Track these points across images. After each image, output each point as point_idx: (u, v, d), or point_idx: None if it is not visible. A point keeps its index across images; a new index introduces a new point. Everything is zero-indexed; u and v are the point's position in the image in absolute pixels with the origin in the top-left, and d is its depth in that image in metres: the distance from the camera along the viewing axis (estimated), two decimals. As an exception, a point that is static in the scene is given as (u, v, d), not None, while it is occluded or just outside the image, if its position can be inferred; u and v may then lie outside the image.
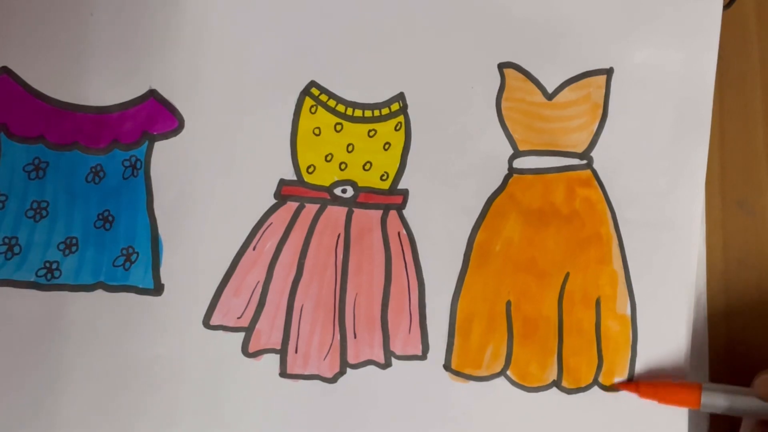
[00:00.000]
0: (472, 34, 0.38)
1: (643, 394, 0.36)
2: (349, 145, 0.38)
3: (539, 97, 0.39)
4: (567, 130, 0.38)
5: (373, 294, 0.37)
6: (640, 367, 0.37)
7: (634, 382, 0.37)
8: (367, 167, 0.38)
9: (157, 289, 0.36)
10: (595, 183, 0.38)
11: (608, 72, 0.39)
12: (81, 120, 0.37)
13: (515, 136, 0.38)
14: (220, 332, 0.36)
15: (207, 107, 0.37)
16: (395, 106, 0.38)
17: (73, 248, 0.36)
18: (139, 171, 0.37)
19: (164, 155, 0.37)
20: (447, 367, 0.37)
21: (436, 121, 0.38)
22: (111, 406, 0.36)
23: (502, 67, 0.38)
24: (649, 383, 0.37)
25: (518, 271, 0.38)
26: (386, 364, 0.37)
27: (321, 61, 0.38)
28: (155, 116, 0.37)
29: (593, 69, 0.39)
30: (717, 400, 0.35)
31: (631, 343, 0.37)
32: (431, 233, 0.38)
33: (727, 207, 0.39)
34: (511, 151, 0.38)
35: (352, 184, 0.38)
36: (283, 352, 0.37)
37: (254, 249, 0.37)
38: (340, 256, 0.37)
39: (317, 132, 0.38)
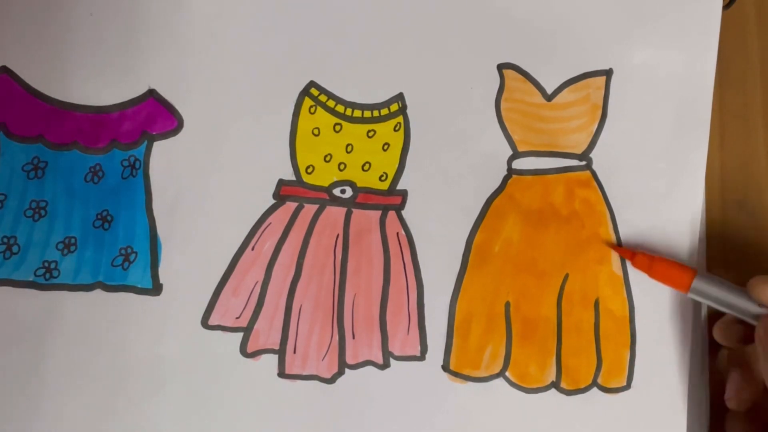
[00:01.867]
0: (472, 35, 0.39)
1: (637, 263, 0.37)
2: (348, 145, 0.38)
3: (538, 98, 0.38)
4: (566, 131, 0.38)
5: (372, 294, 0.37)
6: (639, 368, 0.37)
7: (631, 250, 0.37)
8: (366, 168, 0.38)
9: (156, 289, 0.36)
10: (595, 184, 0.38)
11: (608, 73, 0.39)
12: (80, 120, 0.37)
13: (514, 136, 0.38)
14: (219, 332, 0.36)
15: (206, 107, 0.37)
16: (394, 107, 0.38)
17: (72, 248, 0.36)
18: (138, 171, 0.37)
19: (163, 155, 0.37)
20: (445, 367, 0.37)
21: (436, 122, 0.38)
22: (109, 406, 0.36)
23: (501, 67, 0.39)
24: (646, 255, 0.36)
25: (517, 272, 0.38)
26: (385, 365, 0.37)
27: (320, 62, 0.38)
28: (154, 116, 0.37)
29: (593, 70, 0.39)
30: (708, 288, 0.35)
31: (630, 344, 0.37)
32: (430, 234, 0.38)
33: (727, 207, 0.39)
34: (510, 152, 0.38)
35: (351, 184, 0.38)
36: (281, 353, 0.37)
37: (253, 249, 0.37)
38: (339, 257, 0.37)
39: (316, 132, 0.38)
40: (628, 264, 0.37)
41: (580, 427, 0.37)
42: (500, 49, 0.39)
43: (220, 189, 0.37)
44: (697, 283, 0.35)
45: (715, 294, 0.35)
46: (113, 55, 0.37)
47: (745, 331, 0.35)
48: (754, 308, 0.34)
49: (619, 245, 0.38)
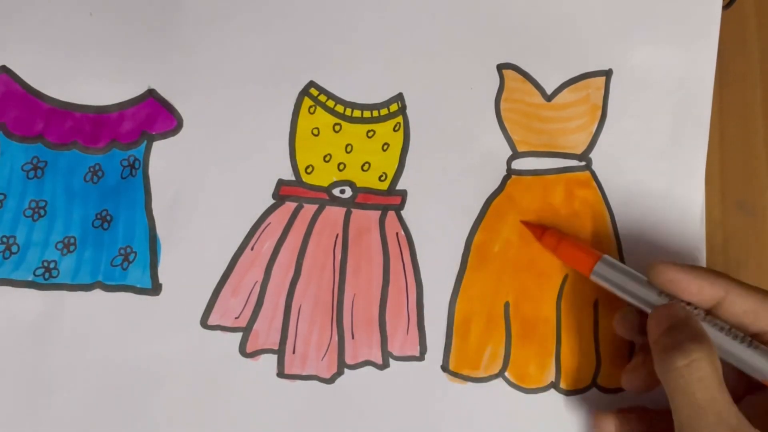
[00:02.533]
0: (471, 35, 0.39)
1: (545, 243, 0.36)
2: (347, 145, 0.38)
3: (538, 98, 0.38)
4: (566, 131, 0.38)
5: (371, 294, 0.37)
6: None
7: (541, 226, 0.37)
8: (365, 168, 0.38)
9: (155, 288, 0.36)
10: (594, 184, 0.38)
11: (607, 73, 0.39)
12: (80, 119, 0.37)
13: (514, 137, 0.38)
14: (218, 332, 0.36)
15: (206, 107, 0.37)
16: (394, 107, 0.38)
17: (72, 248, 0.36)
18: (138, 171, 0.37)
19: (163, 155, 0.37)
20: (445, 368, 0.37)
21: (435, 122, 0.38)
22: (108, 406, 0.36)
23: (501, 68, 0.39)
24: (557, 234, 0.36)
25: (517, 272, 0.38)
26: (384, 365, 0.37)
27: (320, 62, 0.38)
28: (154, 116, 0.37)
29: (592, 70, 0.39)
30: (609, 273, 0.34)
31: (629, 344, 0.37)
32: (430, 234, 0.38)
33: (727, 207, 0.39)
34: (509, 152, 0.38)
35: (351, 184, 0.38)
36: (280, 353, 0.37)
37: (252, 249, 0.37)
38: (339, 257, 0.37)
39: (316, 132, 0.38)
40: (629, 265, 0.37)
41: (579, 427, 0.37)
42: (500, 50, 0.39)
43: (220, 189, 0.37)
44: (600, 267, 0.34)
45: (616, 279, 0.34)
46: (113, 55, 0.37)
47: (643, 322, 0.34)
48: (653, 297, 0.33)
49: (619, 245, 0.38)
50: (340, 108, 0.38)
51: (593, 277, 0.35)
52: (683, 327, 0.31)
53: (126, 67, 0.37)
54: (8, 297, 0.36)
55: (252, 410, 0.36)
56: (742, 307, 0.32)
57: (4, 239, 0.36)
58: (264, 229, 0.37)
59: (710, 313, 0.33)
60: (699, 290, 0.32)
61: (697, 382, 0.29)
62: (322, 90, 0.38)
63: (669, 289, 0.33)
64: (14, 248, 0.36)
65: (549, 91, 0.38)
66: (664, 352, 0.30)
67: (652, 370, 0.33)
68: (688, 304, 0.33)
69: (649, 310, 0.33)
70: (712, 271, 0.33)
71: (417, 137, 0.38)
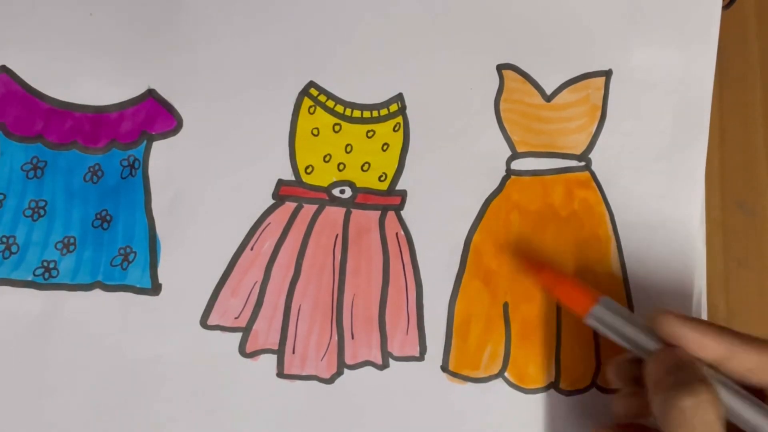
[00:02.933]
0: (471, 35, 0.39)
1: (543, 280, 0.34)
2: (347, 145, 0.38)
3: (538, 99, 0.38)
4: (565, 132, 0.38)
5: (371, 295, 0.37)
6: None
7: (539, 263, 0.35)
8: (365, 168, 0.38)
9: (155, 288, 0.36)
10: (594, 185, 0.38)
11: (607, 73, 0.39)
12: (80, 119, 0.37)
13: (513, 137, 0.38)
14: (218, 332, 0.36)
15: (205, 107, 0.37)
16: (394, 107, 0.38)
17: (71, 248, 0.36)
18: (138, 171, 0.37)
19: (162, 155, 0.37)
20: (444, 368, 0.37)
21: (435, 123, 0.38)
22: (108, 406, 0.36)
23: (500, 68, 0.38)
24: (554, 273, 0.34)
25: (516, 273, 0.37)
26: (384, 365, 0.37)
27: (320, 62, 0.38)
28: (154, 116, 0.37)
29: (592, 70, 0.39)
30: (606, 316, 0.32)
31: (630, 344, 0.37)
32: (429, 234, 0.38)
33: (727, 207, 0.39)
34: (509, 153, 0.38)
35: (351, 184, 0.38)
36: (280, 353, 0.37)
37: (252, 249, 0.37)
38: (338, 257, 0.37)
39: (316, 132, 0.38)
40: (628, 265, 0.37)
41: (579, 427, 0.37)
42: (500, 50, 0.39)
43: (220, 189, 0.37)
44: (597, 310, 0.33)
45: (612, 323, 0.32)
46: (113, 55, 0.37)
47: (640, 371, 0.32)
48: (651, 344, 0.32)
49: (619, 246, 0.38)
50: (339, 108, 0.38)
51: (588, 320, 0.33)
52: (689, 368, 0.30)
53: (126, 67, 0.37)
54: (8, 297, 0.36)
55: (252, 410, 0.36)
56: (746, 364, 0.30)
57: (4, 239, 0.36)
58: (264, 229, 0.37)
59: (720, 379, 0.31)
60: (702, 347, 0.31)
61: (701, 425, 0.28)
62: (322, 90, 0.38)
63: (672, 341, 0.31)
64: (14, 248, 0.36)
65: (549, 92, 0.38)
66: (670, 389, 0.29)
67: (644, 402, 0.32)
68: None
69: (644, 356, 0.32)
70: (716, 327, 0.31)
71: (417, 137, 0.38)
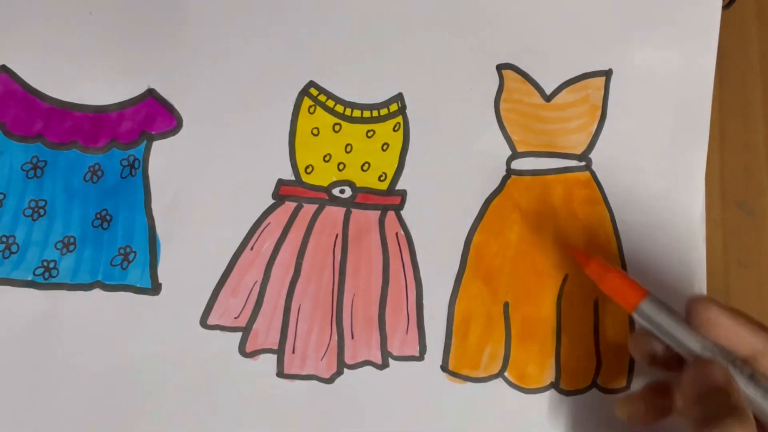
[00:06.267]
0: (471, 35, 0.39)
1: (591, 271, 0.34)
2: (347, 145, 0.38)
3: (538, 99, 0.38)
4: (565, 132, 0.38)
5: (371, 294, 0.37)
6: (639, 368, 0.37)
7: (587, 254, 0.34)
8: (365, 168, 0.38)
9: (155, 288, 0.36)
10: (594, 184, 0.38)
11: (607, 73, 0.39)
12: (80, 119, 0.37)
13: (513, 137, 0.38)
14: (218, 332, 0.36)
15: (205, 107, 0.37)
16: (394, 107, 0.38)
17: (71, 247, 0.36)
18: (137, 170, 0.37)
19: (162, 155, 0.37)
20: (444, 368, 0.37)
21: (435, 122, 0.38)
22: (108, 405, 0.36)
23: (500, 68, 0.39)
24: (603, 265, 0.34)
25: (516, 272, 0.37)
26: (383, 365, 0.37)
27: (320, 62, 0.38)
28: (154, 116, 0.37)
29: (592, 70, 0.39)
30: (653, 312, 0.32)
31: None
32: (429, 234, 0.38)
33: (727, 207, 0.39)
34: (509, 153, 0.38)
35: (351, 184, 0.38)
36: (280, 353, 0.37)
37: (252, 249, 0.37)
38: (338, 257, 0.37)
39: (316, 132, 0.38)
40: (628, 265, 0.37)
41: (579, 427, 0.37)
42: (499, 50, 0.39)
43: (219, 188, 0.37)
44: (645, 305, 0.32)
45: (659, 320, 0.32)
46: (113, 55, 0.37)
47: (666, 357, 0.32)
48: (695, 345, 0.31)
49: (619, 246, 0.38)
50: (339, 108, 0.38)
51: (636, 315, 0.33)
52: (723, 396, 0.29)
53: (126, 67, 0.37)
54: (8, 297, 0.36)
55: (251, 410, 0.36)
56: None
57: (4, 239, 0.36)
58: (264, 229, 0.37)
59: (754, 374, 0.30)
60: (737, 337, 0.30)
61: None
62: (321, 90, 0.38)
63: (706, 330, 0.31)
64: (14, 248, 0.36)
65: (548, 92, 0.38)
66: (702, 423, 0.28)
67: (651, 406, 0.32)
68: (730, 354, 0.31)
69: (688, 358, 0.32)
70: (753, 320, 0.31)
71: (417, 137, 0.38)
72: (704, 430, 0.28)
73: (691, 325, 0.32)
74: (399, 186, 0.38)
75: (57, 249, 0.36)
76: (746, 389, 0.30)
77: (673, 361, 0.32)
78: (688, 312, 0.32)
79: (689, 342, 0.31)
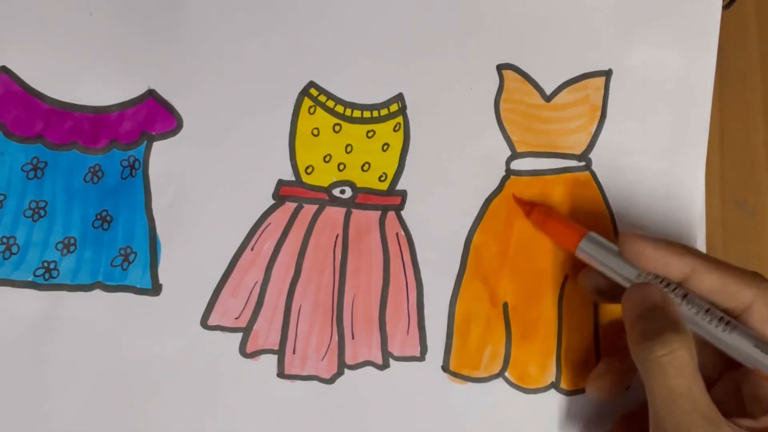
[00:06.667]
0: (471, 35, 0.39)
1: (533, 218, 0.37)
2: (347, 145, 0.38)
3: (537, 99, 0.38)
4: (565, 132, 0.38)
5: (371, 295, 0.37)
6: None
7: (530, 202, 0.37)
8: (365, 168, 0.38)
9: (155, 289, 0.36)
10: (594, 184, 0.38)
11: (607, 73, 0.39)
12: (80, 120, 0.37)
13: (513, 137, 0.38)
14: (218, 332, 0.36)
15: (206, 107, 0.37)
16: (394, 107, 0.38)
17: (72, 248, 0.36)
18: (138, 171, 0.37)
19: (163, 155, 0.37)
20: (445, 368, 0.37)
21: (435, 123, 0.38)
22: (108, 406, 0.36)
23: (500, 68, 0.38)
24: (544, 210, 0.36)
25: (517, 272, 0.38)
26: (384, 365, 0.37)
27: (320, 62, 0.38)
28: (154, 116, 0.37)
29: (592, 70, 0.39)
30: (593, 250, 0.34)
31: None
32: (429, 234, 0.38)
33: (727, 207, 0.39)
34: (509, 153, 0.38)
35: (351, 184, 0.38)
36: (280, 353, 0.37)
37: (252, 249, 0.37)
38: (339, 257, 0.37)
39: (316, 132, 0.38)
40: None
41: (579, 427, 0.37)
42: (499, 50, 0.39)
43: (220, 189, 0.37)
44: (584, 244, 0.34)
45: (599, 257, 0.34)
46: (113, 55, 0.37)
47: (610, 289, 0.34)
48: (631, 274, 0.33)
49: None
50: (340, 108, 0.38)
51: (578, 254, 0.35)
52: (660, 313, 0.31)
53: (126, 67, 0.37)
54: (8, 297, 0.36)
55: (252, 410, 0.36)
56: (708, 284, 0.32)
57: (4, 240, 0.36)
58: (264, 230, 0.37)
59: (687, 294, 0.32)
60: (665, 264, 0.32)
61: (674, 371, 0.30)
62: (322, 90, 0.38)
63: (637, 261, 0.33)
64: (14, 248, 0.36)
65: (548, 92, 0.38)
66: (642, 340, 0.31)
67: (616, 378, 0.34)
68: (664, 279, 0.33)
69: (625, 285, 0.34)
70: (680, 246, 0.33)
71: (417, 137, 0.38)
72: (645, 344, 0.30)
73: (625, 259, 0.33)
74: (399, 186, 0.38)
75: (57, 250, 0.36)
76: (682, 309, 0.32)
77: (617, 293, 0.34)
78: (621, 248, 0.34)
79: (626, 272, 0.33)
